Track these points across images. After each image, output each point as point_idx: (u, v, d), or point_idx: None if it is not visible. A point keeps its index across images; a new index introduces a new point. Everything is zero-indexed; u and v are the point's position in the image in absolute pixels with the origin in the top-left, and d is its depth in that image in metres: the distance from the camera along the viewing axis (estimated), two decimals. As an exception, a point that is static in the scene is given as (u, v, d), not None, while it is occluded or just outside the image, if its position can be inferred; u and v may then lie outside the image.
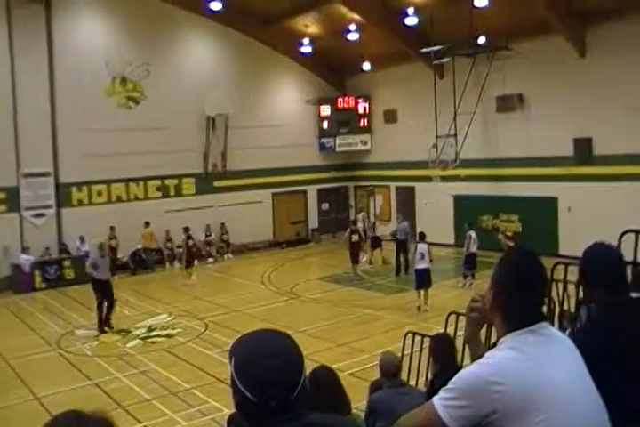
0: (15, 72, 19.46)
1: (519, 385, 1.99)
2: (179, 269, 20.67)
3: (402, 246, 18.62)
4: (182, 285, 18.74)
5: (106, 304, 14.25)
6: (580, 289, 6.19)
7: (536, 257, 2.24)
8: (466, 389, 2.06)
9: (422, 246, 14.84)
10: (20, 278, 18.85)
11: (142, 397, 10.11)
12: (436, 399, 2.11)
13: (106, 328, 14.13)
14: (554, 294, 6.80)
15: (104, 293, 14.29)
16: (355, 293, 16.63)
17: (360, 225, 20.91)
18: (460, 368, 6.28)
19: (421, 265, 14.65)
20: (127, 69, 21.78)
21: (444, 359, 5.94)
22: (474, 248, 16.70)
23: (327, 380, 4.72)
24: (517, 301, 2.15)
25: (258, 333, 1.78)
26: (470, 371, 2.11)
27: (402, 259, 18.57)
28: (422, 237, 15.32)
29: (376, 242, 20.85)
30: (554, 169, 19.13)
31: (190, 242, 19.76)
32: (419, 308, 14.54)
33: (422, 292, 14.64)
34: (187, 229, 20.18)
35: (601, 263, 2.78)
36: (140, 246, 21.30)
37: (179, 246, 21.41)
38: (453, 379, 2.13)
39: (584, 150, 18.51)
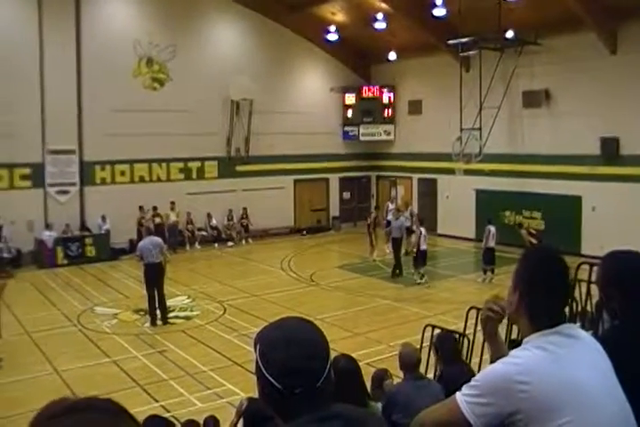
0: (44, 50, 19.65)
1: (545, 386, 1.98)
2: (199, 252, 20.88)
3: (397, 245, 17.54)
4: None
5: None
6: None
7: (561, 257, 2.23)
8: (490, 387, 2.04)
9: (424, 230, 16.64)
10: (43, 254, 19.16)
11: (159, 376, 10.26)
12: (459, 395, 2.10)
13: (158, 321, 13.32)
14: (576, 293, 6.86)
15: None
16: (374, 282, 16.67)
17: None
18: (466, 364, 6.38)
19: (425, 246, 16.51)
20: (154, 51, 21.87)
21: (448, 355, 6.12)
22: (492, 243, 16.66)
23: (348, 369, 4.80)
24: (543, 301, 2.14)
25: (285, 320, 1.78)
26: (496, 369, 2.10)
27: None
28: (423, 222, 17.26)
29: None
30: (579, 167, 18.92)
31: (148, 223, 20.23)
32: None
33: (422, 270, 16.48)
34: (154, 208, 20.94)
35: (624, 267, 2.70)
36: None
37: (200, 229, 21.59)
38: (478, 376, 2.13)
39: (611, 150, 18.26)
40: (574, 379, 2.02)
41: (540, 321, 2.14)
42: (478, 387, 2.08)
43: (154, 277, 13.18)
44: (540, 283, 2.17)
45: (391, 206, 23.02)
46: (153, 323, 13.17)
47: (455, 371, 5.80)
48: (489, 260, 16.67)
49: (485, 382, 2.07)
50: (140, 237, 20.29)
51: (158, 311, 13.31)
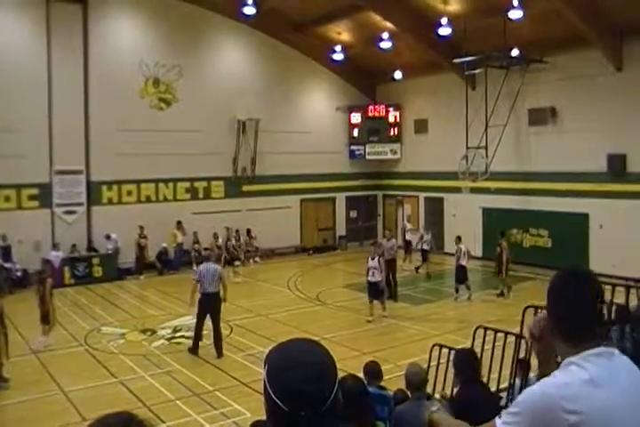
0: (51, 71, 19.89)
1: (595, 416, 1.83)
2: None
3: (390, 267, 16.83)
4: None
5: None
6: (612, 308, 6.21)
7: (590, 275, 2.13)
8: (533, 411, 1.91)
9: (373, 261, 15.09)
10: (50, 274, 19.12)
11: (166, 397, 10.16)
12: (499, 422, 1.98)
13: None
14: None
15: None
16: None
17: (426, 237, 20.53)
18: (481, 382, 6.27)
19: (372, 278, 14.93)
20: (160, 71, 22.09)
21: (469, 374, 5.99)
22: (463, 261, 16.76)
23: (355, 390, 4.75)
24: (574, 321, 2.03)
25: (293, 341, 1.77)
26: (538, 392, 1.94)
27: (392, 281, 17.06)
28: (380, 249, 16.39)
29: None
30: (586, 185, 18.91)
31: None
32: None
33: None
34: (141, 228, 20.83)
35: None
36: (165, 245, 21.50)
37: (206, 248, 21.55)
38: (518, 400, 2.00)
39: (618, 167, 18.25)
40: (620, 408, 1.89)
41: (575, 342, 2.02)
42: (519, 414, 1.94)
43: (208, 307, 12.27)
44: (567, 303, 2.06)
45: (408, 226, 23.00)
46: (193, 351, 12.40)
47: (472, 393, 5.71)
48: (460, 278, 16.76)
49: (527, 409, 1.94)
50: (140, 256, 20.57)
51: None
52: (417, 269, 20.41)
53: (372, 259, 14.90)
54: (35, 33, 19.68)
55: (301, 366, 1.64)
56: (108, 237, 20.51)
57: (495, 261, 17.33)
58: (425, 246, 20.37)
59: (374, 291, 14.88)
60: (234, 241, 22.83)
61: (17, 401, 9.99)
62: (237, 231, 23.07)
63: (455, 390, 6.40)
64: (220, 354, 12.27)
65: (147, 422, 1.56)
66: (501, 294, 16.79)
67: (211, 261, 12.94)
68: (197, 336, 12.47)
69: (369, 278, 14.93)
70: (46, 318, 12.77)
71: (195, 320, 12.67)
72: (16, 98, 18.94)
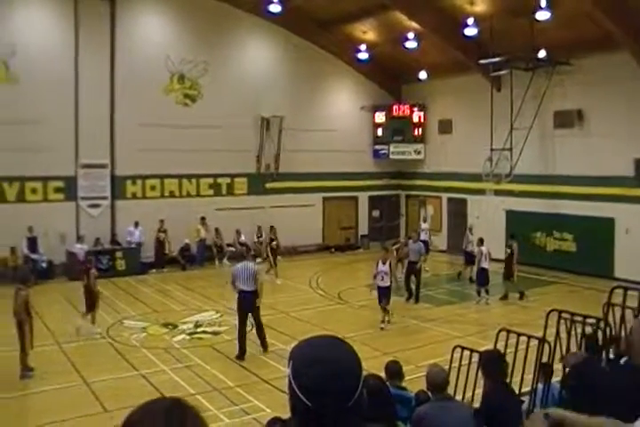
0: (78, 66, 20.11)
1: None
2: (228, 267, 20.92)
3: (412, 269, 16.69)
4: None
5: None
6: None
7: None
8: None
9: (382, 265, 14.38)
10: (74, 266, 19.35)
11: (187, 391, 10.19)
12: None
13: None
14: (610, 318, 6.79)
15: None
16: (402, 302, 16.41)
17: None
18: (507, 384, 6.21)
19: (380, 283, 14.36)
20: (186, 67, 22.22)
21: (497, 376, 5.96)
22: (485, 264, 16.57)
23: (377, 389, 4.77)
24: None
25: (318, 338, 1.76)
26: None
27: (412, 284, 16.78)
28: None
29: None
30: (612, 189, 18.65)
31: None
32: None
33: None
34: (162, 222, 20.99)
35: None
36: (187, 241, 21.66)
37: (229, 245, 21.69)
38: None
39: (645, 171, 18.05)
40: None
41: None
42: None
43: (246, 306, 12.11)
44: None
45: (424, 226, 22.87)
46: (240, 357, 11.98)
47: (499, 396, 5.71)
48: (482, 280, 16.59)
49: None
50: (159, 250, 20.78)
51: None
52: (471, 279, 18.77)
53: (384, 263, 14.14)
54: (63, 28, 19.89)
55: (326, 361, 1.63)
56: (136, 224, 20.76)
57: (505, 264, 17.04)
58: (470, 248, 19.38)
59: (384, 295, 14.26)
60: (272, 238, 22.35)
61: (40, 390, 10.16)
62: (259, 228, 23.11)
63: (480, 391, 6.38)
64: (264, 348, 12.29)
65: (193, 409, 1.51)
66: (521, 297, 16.62)
67: (247, 259, 12.71)
68: (240, 339, 12.13)
69: (379, 283, 14.22)
70: (93, 307, 13.33)
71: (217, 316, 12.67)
72: (44, 92, 19.15)
